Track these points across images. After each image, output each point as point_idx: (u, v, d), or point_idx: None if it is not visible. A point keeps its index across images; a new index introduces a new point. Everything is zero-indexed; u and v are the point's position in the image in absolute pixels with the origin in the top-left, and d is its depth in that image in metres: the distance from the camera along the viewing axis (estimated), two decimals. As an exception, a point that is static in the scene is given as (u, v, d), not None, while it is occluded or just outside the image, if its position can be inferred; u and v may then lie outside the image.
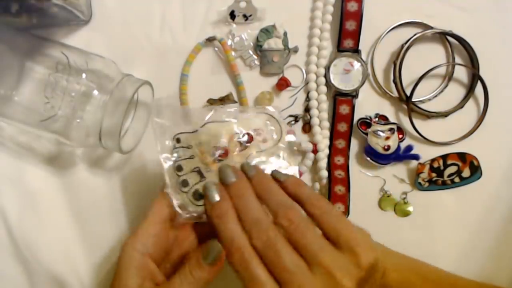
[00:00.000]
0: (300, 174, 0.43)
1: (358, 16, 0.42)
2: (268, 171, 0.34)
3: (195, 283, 0.30)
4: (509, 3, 0.44)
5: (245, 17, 0.43)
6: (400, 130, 0.43)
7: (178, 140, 0.34)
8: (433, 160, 0.43)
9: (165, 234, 0.34)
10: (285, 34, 0.43)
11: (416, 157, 0.43)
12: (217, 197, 0.32)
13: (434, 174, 0.43)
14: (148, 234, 0.33)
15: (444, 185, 0.44)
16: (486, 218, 0.44)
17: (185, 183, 0.34)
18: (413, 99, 0.43)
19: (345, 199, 0.43)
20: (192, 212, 0.34)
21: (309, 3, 0.44)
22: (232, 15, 0.43)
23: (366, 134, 0.43)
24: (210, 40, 0.43)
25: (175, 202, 0.34)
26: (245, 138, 0.35)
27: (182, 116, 0.36)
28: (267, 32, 0.43)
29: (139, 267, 0.32)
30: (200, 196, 0.34)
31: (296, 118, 0.44)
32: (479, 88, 0.43)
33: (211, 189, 0.32)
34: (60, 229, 0.44)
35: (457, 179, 0.44)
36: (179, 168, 0.34)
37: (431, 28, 0.43)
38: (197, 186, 0.34)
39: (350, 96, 0.43)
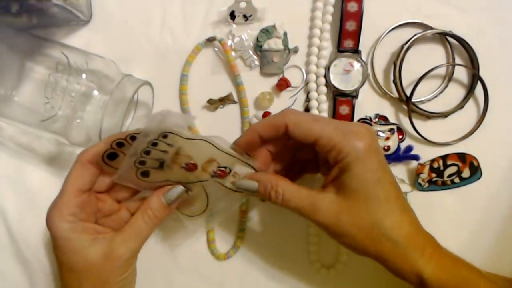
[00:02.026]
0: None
1: (358, 17, 0.42)
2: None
3: (154, 217, 0.34)
4: (509, 3, 0.44)
5: (245, 17, 0.43)
6: (400, 130, 0.43)
7: (165, 136, 0.34)
8: (433, 161, 0.43)
9: (89, 200, 0.34)
10: (285, 34, 0.43)
11: (416, 157, 0.43)
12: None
13: (434, 175, 0.43)
14: (72, 204, 0.33)
15: (444, 186, 0.44)
16: (486, 218, 0.44)
17: (142, 163, 0.34)
18: (413, 100, 0.43)
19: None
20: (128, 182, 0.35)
21: (309, 3, 0.44)
22: (232, 16, 0.43)
23: (366, 134, 0.43)
24: (210, 40, 0.43)
25: (120, 170, 0.34)
26: (219, 172, 0.35)
27: (186, 122, 0.36)
28: (267, 32, 0.43)
29: (79, 230, 0.33)
30: (146, 173, 0.34)
31: (296, 118, 0.44)
32: (479, 89, 0.43)
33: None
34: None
35: (457, 180, 0.44)
36: (147, 152, 0.34)
37: (431, 28, 0.43)
38: (151, 171, 0.34)
39: (350, 97, 0.43)
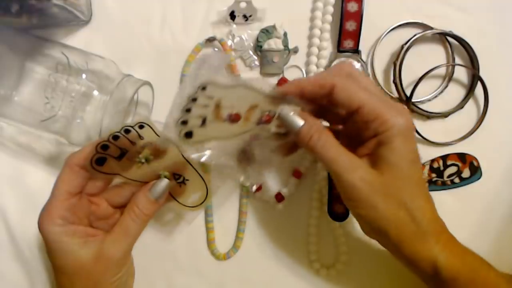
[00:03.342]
0: (300, 174, 0.43)
1: (358, 17, 0.42)
2: None
3: (141, 214, 0.34)
4: (509, 3, 0.44)
5: (245, 17, 0.43)
6: (400, 130, 0.43)
7: (204, 88, 0.33)
8: (433, 161, 0.43)
9: (80, 203, 0.34)
10: (285, 34, 0.43)
11: (416, 157, 0.43)
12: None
13: (434, 175, 0.43)
14: (62, 208, 0.33)
15: (444, 186, 0.44)
16: (486, 218, 0.44)
17: (184, 122, 0.33)
18: (413, 100, 0.43)
19: (345, 200, 0.43)
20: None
21: (309, 3, 0.44)
22: (232, 16, 0.43)
23: (366, 134, 0.43)
24: (210, 40, 0.43)
25: (162, 134, 0.33)
26: (265, 118, 0.33)
27: (222, 66, 0.34)
28: (267, 32, 0.43)
29: (70, 233, 0.33)
30: (190, 134, 0.33)
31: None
32: (479, 89, 0.43)
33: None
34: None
35: (457, 180, 0.44)
36: (188, 110, 0.33)
37: (431, 28, 0.43)
38: (194, 130, 0.33)
39: (350, 97, 0.43)
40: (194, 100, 0.33)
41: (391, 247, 0.34)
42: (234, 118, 0.33)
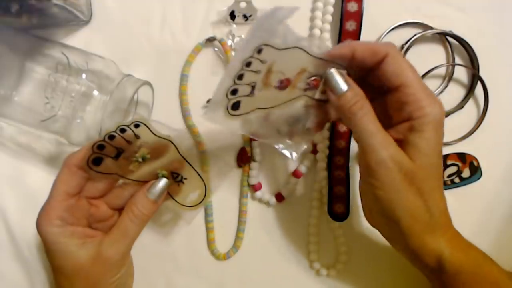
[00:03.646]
0: (299, 174, 0.43)
1: (358, 17, 0.42)
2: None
3: (140, 214, 0.34)
4: (509, 3, 0.44)
5: (245, 17, 0.43)
6: (400, 130, 0.43)
7: (260, 51, 0.31)
8: (433, 160, 0.43)
9: (79, 204, 0.34)
10: (285, 34, 0.43)
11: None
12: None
13: (434, 174, 0.43)
14: (60, 209, 0.33)
15: (444, 186, 0.44)
16: (486, 218, 0.44)
17: (234, 92, 0.32)
18: (413, 100, 0.43)
19: (344, 199, 0.43)
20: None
21: (309, 3, 0.44)
22: (232, 16, 0.43)
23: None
24: (210, 40, 0.43)
25: (211, 105, 0.31)
26: (311, 80, 0.31)
27: (279, 28, 0.32)
28: (267, 32, 0.43)
29: (68, 234, 0.32)
30: (237, 105, 0.31)
31: (296, 118, 0.44)
32: (479, 89, 0.43)
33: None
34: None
35: (457, 180, 0.44)
36: (240, 77, 0.32)
37: (431, 28, 0.43)
38: (242, 100, 0.32)
39: (350, 96, 0.43)
40: (248, 64, 0.31)
41: (396, 238, 0.33)
42: (286, 84, 0.31)
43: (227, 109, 0.31)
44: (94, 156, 0.33)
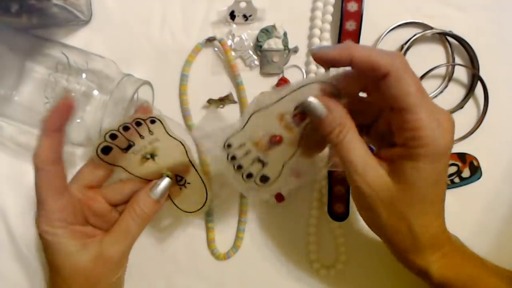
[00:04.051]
0: (300, 175, 0.43)
1: (358, 16, 0.42)
2: None
3: (142, 214, 0.33)
4: (509, 2, 0.44)
5: (245, 17, 0.43)
6: (400, 130, 0.43)
7: (229, 146, 0.33)
8: (433, 160, 0.43)
9: (72, 200, 0.33)
10: (285, 34, 0.43)
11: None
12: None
13: (434, 174, 0.43)
14: (56, 209, 0.31)
15: (444, 185, 0.44)
16: (486, 218, 0.44)
17: (249, 176, 0.33)
18: (413, 99, 0.43)
19: (344, 199, 0.43)
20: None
21: (309, 3, 0.44)
22: (232, 16, 0.43)
23: (366, 134, 0.43)
24: (210, 40, 0.43)
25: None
26: (295, 118, 0.32)
27: (219, 118, 0.34)
28: (267, 32, 0.43)
29: (68, 235, 0.32)
30: (266, 178, 0.33)
31: (296, 118, 0.44)
32: (479, 88, 0.43)
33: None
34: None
35: (457, 180, 0.44)
36: (239, 167, 0.33)
37: (431, 28, 0.43)
38: (263, 172, 0.33)
39: (350, 96, 0.43)
40: (229, 146, 0.32)
41: (386, 246, 0.34)
42: (277, 140, 0.32)
43: (256, 183, 0.33)
44: (104, 145, 0.33)
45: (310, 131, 0.32)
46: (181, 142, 0.34)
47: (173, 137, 0.34)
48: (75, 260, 0.32)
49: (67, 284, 0.32)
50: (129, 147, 0.33)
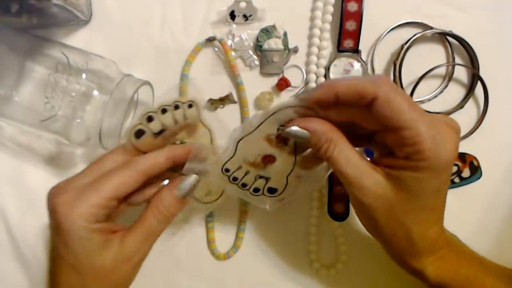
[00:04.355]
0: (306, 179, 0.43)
1: (358, 16, 0.42)
2: None
3: (167, 213, 0.31)
4: (508, 2, 0.44)
5: (245, 17, 0.43)
6: (400, 130, 0.43)
7: (227, 170, 0.33)
8: (433, 160, 0.43)
9: (117, 205, 0.31)
10: (285, 34, 0.43)
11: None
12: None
13: (434, 174, 0.43)
14: (100, 205, 0.30)
15: (444, 185, 0.44)
16: (486, 218, 0.44)
17: (256, 190, 0.34)
18: (413, 99, 0.43)
19: (344, 199, 0.43)
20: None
21: (309, 3, 0.44)
22: (232, 15, 0.43)
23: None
24: (210, 40, 0.43)
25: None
26: (280, 137, 0.32)
27: (211, 151, 0.34)
28: (267, 32, 0.43)
29: (94, 229, 0.30)
30: (273, 190, 0.34)
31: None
32: (479, 88, 0.43)
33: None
34: (60, 229, 0.44)
35: (457, 180, 0.44)
36: (244, 185, 0.34)
37: (431, 28, 0.43)
38: (269, 185, 0.34)
39: (350, 96, 0.43)
40: (227, 170, 0.33)
41: (383, 247, 0.34)
42: (270, 159, 0.33)
43: (250, 192, 0.35)
44: (138, 128, 0.32)
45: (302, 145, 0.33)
46: (209, 130, 0.34)
47: (204, 124, 0.33)
48: (95, 258, 0.30)
49: (85, 282, 0.30)
50: (161, 131, 0.32)
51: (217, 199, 0.36)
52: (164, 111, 0.32)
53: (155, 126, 0.32)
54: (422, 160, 0.28)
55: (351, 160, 0.30)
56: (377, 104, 0.28)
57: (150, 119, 0.32)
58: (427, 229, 0.31)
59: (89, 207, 0.29)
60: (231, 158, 0.33)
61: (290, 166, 0.34)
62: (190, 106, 0.33)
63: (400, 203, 0.30)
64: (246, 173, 0.34)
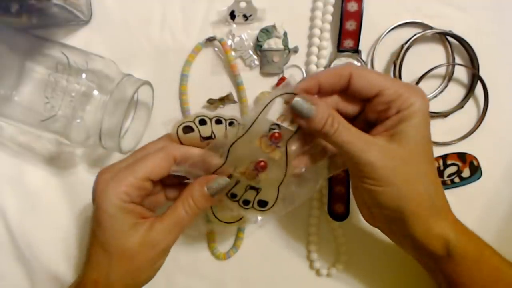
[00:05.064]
0: (300, 175, 0.43)
1: (358, 16, 0.42)
2: None
3: (195, 207, 0.33)
4: (508, 2, 0.44)
5: (245, 17, 0.43)
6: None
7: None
8: (433, 160, 0.43)
9: (148, 186, 0.33)
10: (285, 34, 0.43)
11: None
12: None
13: (434, 174, 0.43)
14: (133, 186, 0.32)
15: (444, 185, 0.44)
16: (486, 218, 0.44)
17: (246, 203, 0.35)
18: (413, 99, 0.43)
19: (345, 199, 0.43)
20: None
21: (309, 3, 0.44)
22: (232, 15, 0.43)
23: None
24: (210, 40, 0.43)
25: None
26: (273, 137, 0.33)
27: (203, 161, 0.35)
28: (267, 32, 0.43)
29: (127, 210, 0.32)
30: (264, 203, 0.35)
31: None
32: (479, 88, 0.43)
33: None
34: (60, 229, 0.44)
35: (457, 179, 0.44)
36: (233, 196, 0.35)
37: (431, 28, 0.43)
38: (259, 197, 0.35)
39: (350, 96, 0.43)
40: (229, 194, 0.35)
41: (400, 231, 0.34)
42: (262, 165, 0.33)
43: (240, 204, 0.35)
44: (187, 124, 0.33)
45: (296, 146, 0.34)
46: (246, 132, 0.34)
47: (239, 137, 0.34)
48: (123, 238, 0.32)
49: (111, 261, 0.32)
50: (209, 137, 0.34)
51: (237, 221, 0.37)
52: (218, 121, 0.34)
53: (205, 131, 0.34)
54: (411, 106, 0.31)
55: (355, 131, 0.32)
56: (354, 80, 0.32)
57: (203, 122, 0.34)
58: (436, 182, 0.33)
59: (123, 186, 0.32)
60: (222, 166, 0.34)
61: (282, 174, 0.34)
62: (231, 123, 0.34)
63: (409, 156, 0.32)
64: (236, 183, 0.34)
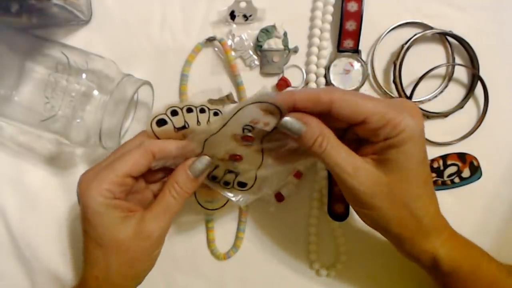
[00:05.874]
0: (300, 174, 0.43)
1: (358, 16, 0.42)
2: None
3: (181, 191, 0.33)
4: (509, 2, 0.44)
5: (245, 17, 0.43)
6: (400, 130, 0.43)
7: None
8: (432, 161, 0.43)
9: (130, 182, 0.34)
10: (285, 34, 0.43)
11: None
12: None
13: (434, 175, 0.43)
14: (115, 183, 0.32)
15: (444, 186, 0.44)
16: (486, 218, 0.44)
17: (227, 184, 0.35)
18: (413, 99, 0.43)
19: (344, 199, 0.43)
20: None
21: (309, 3, 0.44)
22: (232, 15, 0.43)
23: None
24: (210, 40, 0.43)
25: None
26: (245, 137, 0.33)
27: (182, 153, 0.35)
28: (267, 32, 0.43)
29: (113, 206, 0.33)
30: (243, 184, 0.35)
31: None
32: (479, 88, 0.43)
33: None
34: (60, 229, 0.44)
35: (457, 180, 0.44)
36: (214, 178, 0.35)
37: (431, 28, 0.43)
38: (238, 179, 0.35)
39: (350, 96, 0.43)
40: (212, 178, 0.35)
41: (393, 242, 0.34)
42: (238, 159, 0.34)
43: (236, 188, 0.36)
44: (160, 117, 0.34)
45: (272, 140, 0.34)
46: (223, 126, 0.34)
47: (218, 128, 0.34)
48: (115, 232, 0.32)
49: (106, 255, 0.33)
50: (182, 127, 0.34)
51: (220, 207, 0.37)
52: (189, 110, 0.34)
53: (178, 121, 0.34)
54: (401, 133, 0.30)
55: (343, 152, 0.31)
56: (336, 107, 0.30)
57: (174, 113, 0.34)
58: (428, 204, 0.33)
59: (105, 183, 0.32)
60: (199, 154, 0.34)
61: (258, 162, 0.34)
62: (216, 114, 0.34)
63: (396, 184, 0.31)
64: (215, 167, 0.35)
